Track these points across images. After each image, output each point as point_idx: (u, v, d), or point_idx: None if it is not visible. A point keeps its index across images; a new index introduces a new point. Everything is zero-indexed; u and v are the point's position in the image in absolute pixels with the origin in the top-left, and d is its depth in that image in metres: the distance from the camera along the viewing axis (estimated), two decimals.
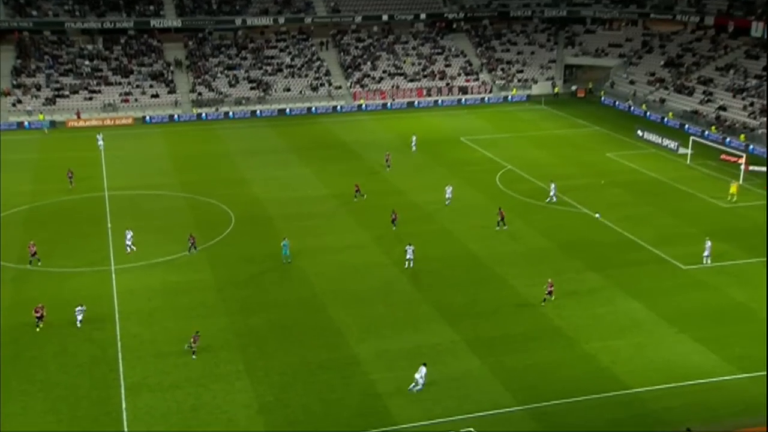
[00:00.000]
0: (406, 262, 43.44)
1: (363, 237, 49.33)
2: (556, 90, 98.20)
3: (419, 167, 65.77)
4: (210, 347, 35.21)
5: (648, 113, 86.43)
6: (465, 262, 45.53)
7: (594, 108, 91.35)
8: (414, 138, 70.89)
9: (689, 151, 68.19)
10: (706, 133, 76.63)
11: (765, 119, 74.54)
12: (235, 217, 52.67)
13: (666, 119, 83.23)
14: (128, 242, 45.52)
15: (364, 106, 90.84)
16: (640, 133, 76.09)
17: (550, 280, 39.82)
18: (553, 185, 55.94)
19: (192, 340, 34.16)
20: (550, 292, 39.60)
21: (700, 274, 43.69)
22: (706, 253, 44.52)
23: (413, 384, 31.32)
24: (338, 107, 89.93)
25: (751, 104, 78.48)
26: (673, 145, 71.39)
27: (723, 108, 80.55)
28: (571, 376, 33.28)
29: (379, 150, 70.33)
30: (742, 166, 61.71)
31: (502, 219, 50.13)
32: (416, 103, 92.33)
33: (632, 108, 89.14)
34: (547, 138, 77.04)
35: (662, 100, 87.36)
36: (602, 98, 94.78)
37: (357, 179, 61.87)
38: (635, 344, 35.95)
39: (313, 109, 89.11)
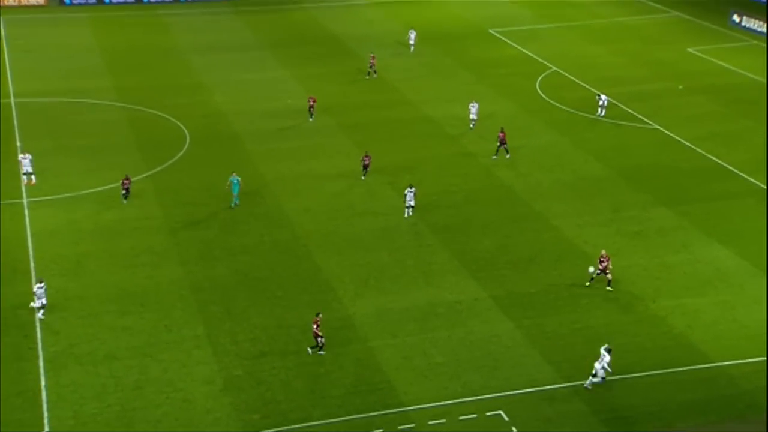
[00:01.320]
0: (406, 211, 42.52)
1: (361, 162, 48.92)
2: None
3: (435, 70, 64.71)
4: (160, 306, 35.14)
5: None
6: (494, 195, 45.11)
7: None
8: (413, 34, 68.54)
9: None
10: None
11: None
12: (190, 136, 52.14)
13: None
14: (27, 169, 44.74)
15: None
16: (735, 18, 74.58)
17: (604, 252, 36.62)
18: (603, 97, 55.06)
19: (314, 325, 32.25)
20: (604, 271, 36.16)
21: None
22: None
23: (590, 380, 30.53)
24: None
25: None
26: None
27: None
28: (633, 344, 33.14)
29: (381, 47, 69.01)
30: None
31: (502, 144, 48.13)
32: None
33: None
34: (607, 28, 75.53)
35: None
36: None
37: (354, 86, 60.95)
38: (721, 303, 35.75)
39: None
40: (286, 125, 53.99)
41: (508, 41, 71.57)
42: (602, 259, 36.46)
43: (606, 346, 30.73)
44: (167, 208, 43.19)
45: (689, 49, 68.92)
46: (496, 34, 73.71)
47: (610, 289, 36.39)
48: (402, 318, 34.56)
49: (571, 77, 62.72)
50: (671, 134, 52.63)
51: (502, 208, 43.72)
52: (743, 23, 73.52)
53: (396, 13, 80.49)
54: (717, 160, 49.03)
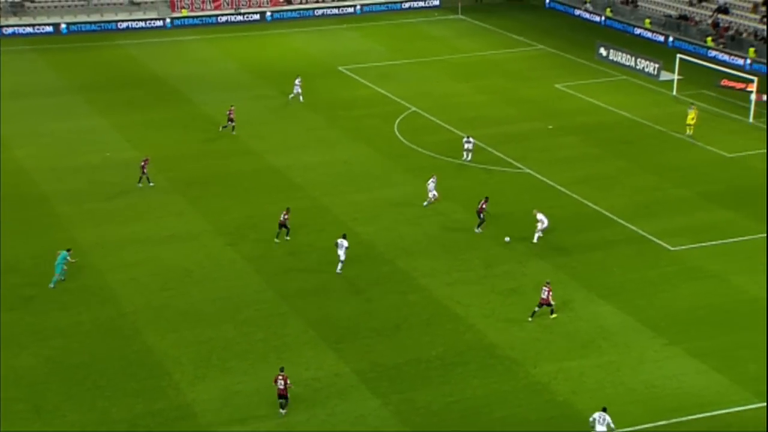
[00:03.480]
0: (339, 265, 43.10)
1: (197, 221, 48.47)
2: None
3: (278, 113, 65.28)
4: None
5: (614, 21, 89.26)
6: (353, 253, 45.27)
7: (536, 16, 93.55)
8: (298, 81, 66.87)
9: (675, 77, 70.98)
10: (701, 48, 79.83)
11: None
12: None
13: (640, 30, 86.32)
14: None
15: (188, 20, 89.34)
16: (603, 51, 78.54)
17: (547, 285, 39.35)
18: (470, 140, 56.84)
19: (283, 382, 32.26)
20: (548, 302, 39.22)
21: (694, 257, 45.68)
22: (540, 227, 46.01)
23: None
24: (147, 22, 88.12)
25: (766, 2, 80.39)
26: (651, 67, 74.06)
27: (723, 9, 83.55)
28: (515, 417, 33.86)
29: (215, 89, 69.08)
30: (753, 96, 64.58)
31: (481, 216, 47.46)
32: (269, 15, 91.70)
33: (591, 14, 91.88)
34: (468, 64, 78.10)
35: (634, 1, 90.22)
36: (547, 0, 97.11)
37: (184, 135, 60.55)
38: (605, 365, 37.03)
39: (109, 24, 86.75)
40: (106, 182, 53.00)
41: (360, 79, 72.92)
42: (547, 290, 38.98)
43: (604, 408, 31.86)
44: None
45: (557, 85, 72.05)
46: (346, 71, 74.98)
47: (554, 316, 39.39)
48: (251, 402, 34.18)
49: (433, 118, 64.39)
50: (543, 178, 54.69)
51: (363, 267, 44.17)
52: (610, 56, 77.42)
53: (229, 50, 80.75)
54: (593, 205, 51.17)
